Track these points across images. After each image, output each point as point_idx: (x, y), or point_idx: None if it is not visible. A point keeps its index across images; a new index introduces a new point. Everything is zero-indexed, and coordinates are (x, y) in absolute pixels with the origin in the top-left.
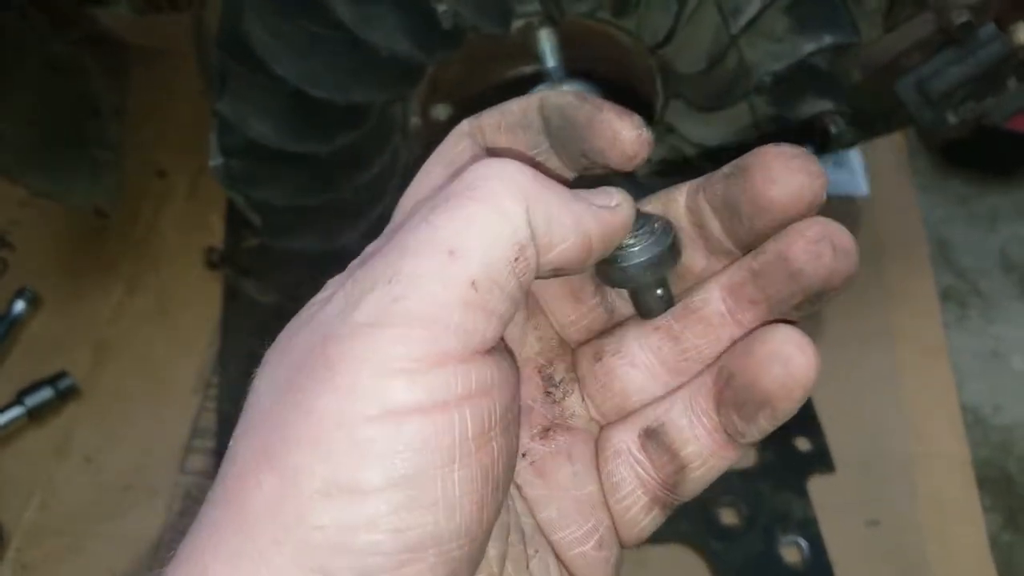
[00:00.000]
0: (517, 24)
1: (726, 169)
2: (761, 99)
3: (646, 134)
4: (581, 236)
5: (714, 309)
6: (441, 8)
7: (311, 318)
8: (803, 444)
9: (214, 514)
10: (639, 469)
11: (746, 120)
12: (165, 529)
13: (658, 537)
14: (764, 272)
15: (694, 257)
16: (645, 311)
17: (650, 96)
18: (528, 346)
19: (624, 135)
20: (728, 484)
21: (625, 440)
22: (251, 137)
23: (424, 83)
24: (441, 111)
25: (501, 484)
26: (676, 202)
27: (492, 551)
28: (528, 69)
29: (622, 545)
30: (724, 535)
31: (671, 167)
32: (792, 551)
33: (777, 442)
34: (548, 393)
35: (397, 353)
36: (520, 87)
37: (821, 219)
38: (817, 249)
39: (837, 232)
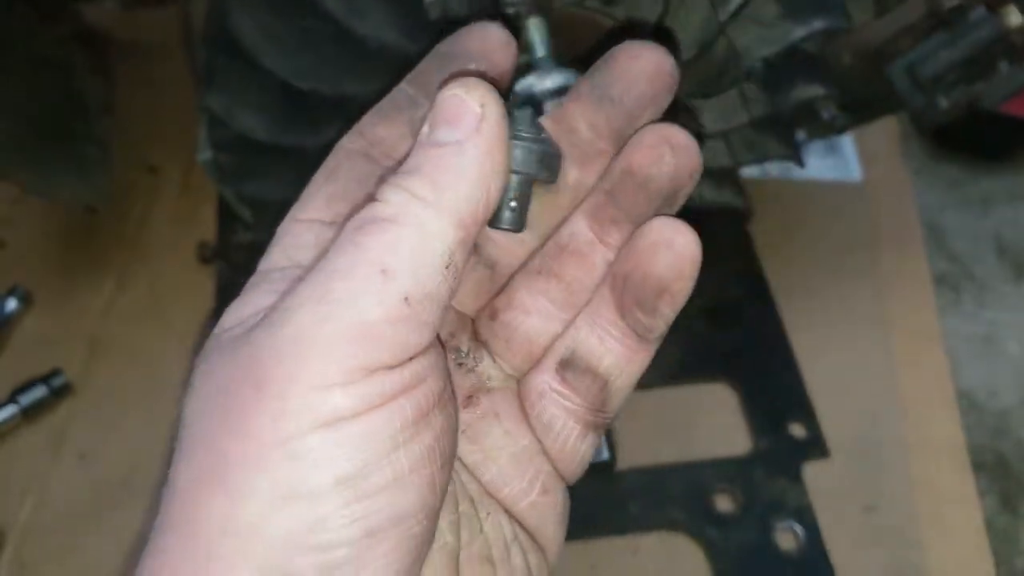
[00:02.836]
0: (505, 14)
1: (589, 72)
2: (751, 85)
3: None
4: (481, 214)
5: (583, 239)
6: None
7: (234, 340)
8: (797, 430)
9: (163, 542)
10: (565, 402)
11: (736, 106)
12: None
13: (651, 525)
14: (617, 190)
15: (568, 168)
16: (495, 220)
17: None
18: None
19: (492, 32)
20: (722, 471)
21: (544, 381)
22: (240, 131)
23: None
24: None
25: (449, 458)
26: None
27: (444, 522)
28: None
29: (565, 482)
30: (719, 522)
31: None
32: (788, 537)
33: (771, 429)
34: (460, 364)
35: (329, 370)
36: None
37: (656, 125)
38: (657, 153)
39: (673, 132)
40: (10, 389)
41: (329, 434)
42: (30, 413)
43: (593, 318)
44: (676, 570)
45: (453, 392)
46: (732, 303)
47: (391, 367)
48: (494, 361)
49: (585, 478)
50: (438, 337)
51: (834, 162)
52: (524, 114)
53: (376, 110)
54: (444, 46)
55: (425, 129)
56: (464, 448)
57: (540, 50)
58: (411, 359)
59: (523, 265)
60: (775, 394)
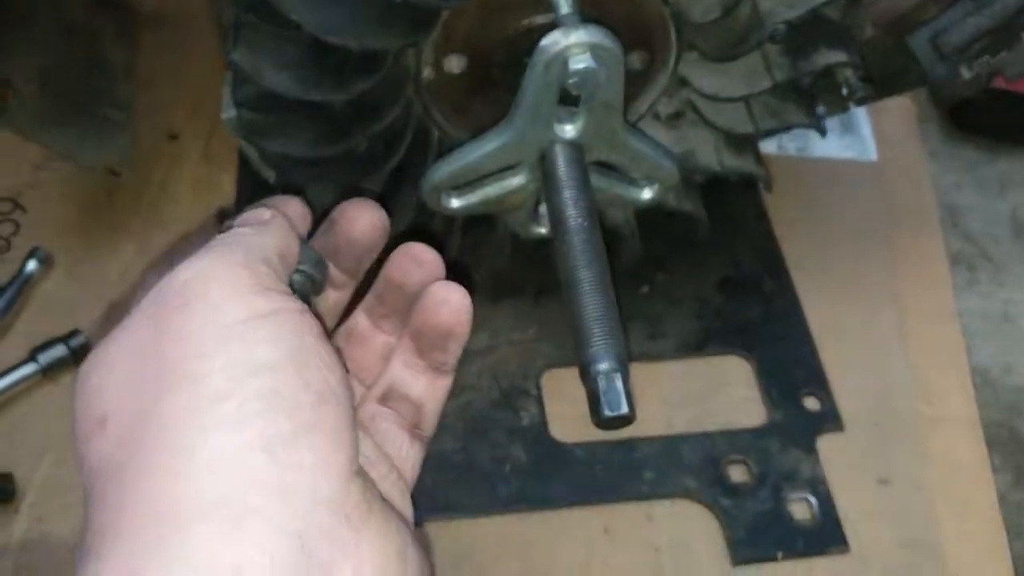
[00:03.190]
0: None
1: (322, 227)
2: (774, 49)
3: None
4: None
5: (363, 327)
6: None
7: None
8: (812, 404)
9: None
10: (392, 419)
11: (759, 71)
12: None
13: (666, 492)
14: (383, 293)
15: (328, 295)
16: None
17: (663, 44)
18: None
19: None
20: (737, 442)
21: (373, 407)
22: (266, 87)
23: (438, 31)
24: (454, 62)
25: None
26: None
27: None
28: (541, 19)
29: (405, 482)
30: (733, 492)
31: (682, 121)
32: (801, 507)
33: (786, 402)
34: None
35: (231, 316)
36: (534, 36)
37: (408, 246)
38: (405, 265)
39: (419, 251)
40: (29, 349)
41: (254, 323)
42: (49, 372)
43: (402, 359)
44: (689, 537)
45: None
46: (748, 277)
47: (270, 314)
48: None
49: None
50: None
51: (850, 141)
52: (306, 246)
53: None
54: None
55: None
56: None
57: (564, 7)
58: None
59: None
60: (790, 367)
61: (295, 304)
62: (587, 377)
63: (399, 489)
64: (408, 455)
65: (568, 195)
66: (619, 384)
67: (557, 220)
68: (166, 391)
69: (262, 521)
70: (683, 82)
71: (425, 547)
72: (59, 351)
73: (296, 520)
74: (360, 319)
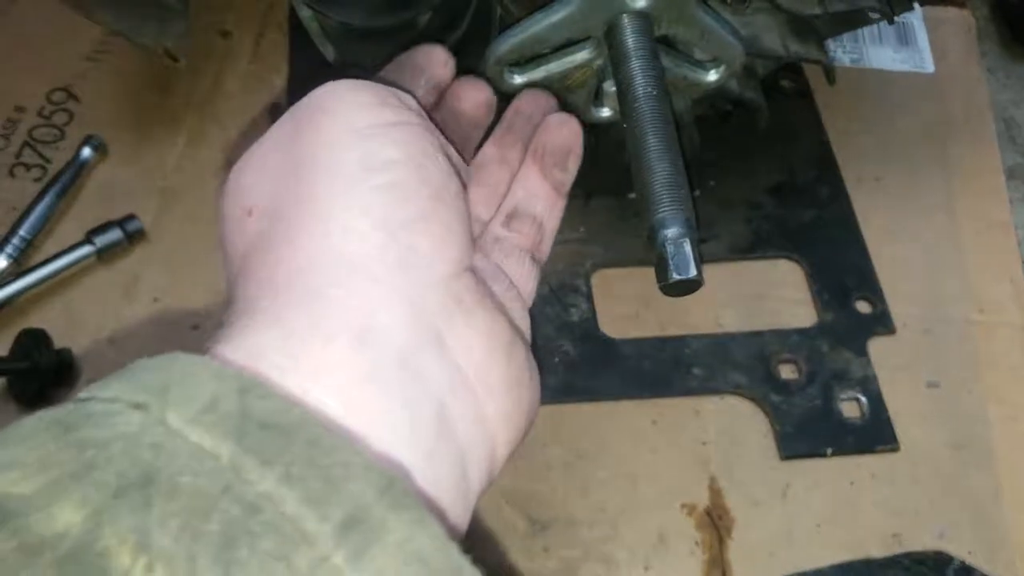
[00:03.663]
0: None
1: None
2: None
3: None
4: None
5: (490, 155)
6: None
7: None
8: (863, 307)
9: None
10: (515, 240)
11: None
12: None
13: (715, 389)
14: (513, 122)
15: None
16: None
17: None
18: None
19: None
20: (787, 342)
21: (498, 230)
22: None
23: None
24: None
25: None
26: None
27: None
28: None
29: (523, 301)
30: (782, 389)
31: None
32: (851, 406)
33: (838, 304)
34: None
35: (359, 120)
36: None
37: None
38: (535, 97)
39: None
40: (85, 232)
41: (382, 129)
42: (105, 255)
43: (524, 183)
44: (737, 431)
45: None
46: (801, 183)
47: (410, 102)
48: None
49: (653, 342)
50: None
51: (907, 54)
52: None
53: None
54: (400, 58)
55: None
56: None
57: None
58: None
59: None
60: (842, 271)
61: (418, 118)
62: (655, 242)
63: (519, 305)
64: (528, 275)
65: (637, 65)
66: (687, 248)
67: (625, 90)
68: (305, 178)
69: (386, 288)
70: None
71: (536, 368)
72: (114, 234)
73: (414, 291)
74: (488, 149)
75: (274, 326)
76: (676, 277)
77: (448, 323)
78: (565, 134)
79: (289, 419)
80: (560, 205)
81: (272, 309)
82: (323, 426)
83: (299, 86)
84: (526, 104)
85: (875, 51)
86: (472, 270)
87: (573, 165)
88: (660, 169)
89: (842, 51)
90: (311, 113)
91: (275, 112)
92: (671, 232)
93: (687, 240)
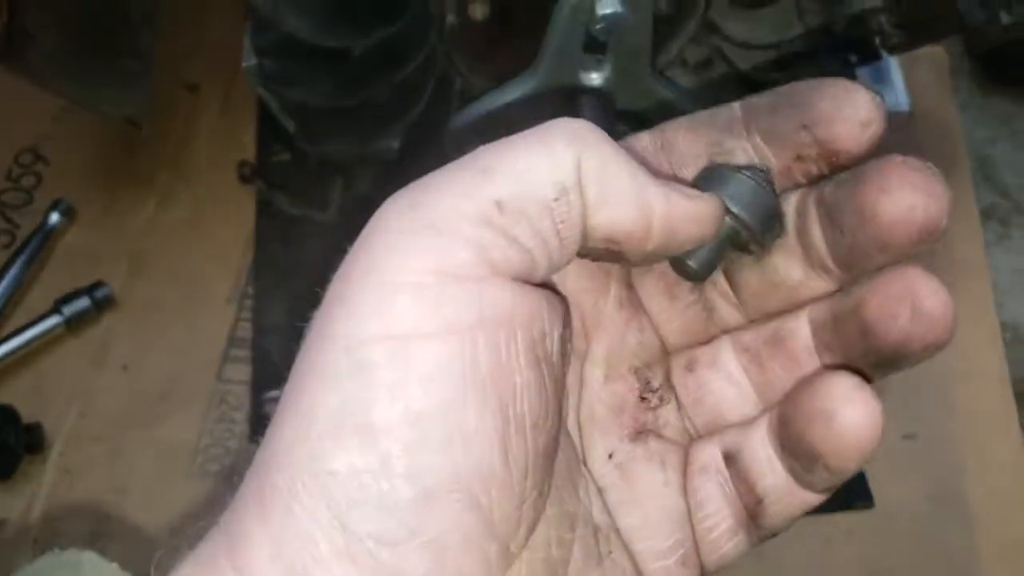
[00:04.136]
0: None
1: (843, 175)
2: None
3: (880, 99)
4: (639, 208)
5: (802, 344)
6: None
7: None
8: None
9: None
10: (726, 489)
11: (791, 17)
12: (202, 435)
13: None
14: (840, 319)
15: (791, 266)
16: (683, 255)
17: None
18: (626, 346)
19: (857, 94)
20: None
21: (714, 456)
22: (286, 31)
23: None
24: (478, 9)
25: (529, 426)
26: (788, 203)
27: (551, 532)
28: None
29: (703, 570)
30: None
31: (710, 69)
32: None
33: None
34: (643, 398)
35: (406, 263)
36: None
37: (913, 271)
38: (894, 308)
39: (926, 291)
40: (54, 300)
41: (398, 351)
42: (74, 324)
43: (763, 435)
44: None
45: (561, 362)
46: None
47: (469, 279)
48: (678, 409)
49: None
50: (564, 299)
51: (882, 91)
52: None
53: (691, 118)
54: (791, 90)
55: None
56: (614, 482)
57: None
58: (494, 277)
59: (736, 330)
60: None
61: (473, 309)
62: None
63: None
64: (719, 545)
65: None
66: None
67: None
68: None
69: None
70: (712, 28)
71: None
72: (83, 303)
73: None
74: (803, 329)
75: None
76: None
77: None
78: (818, 434)
79: None
80: (803, 499)
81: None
82: None
83: (269, 142)
84: (876, 306)
85: None
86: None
87: (826, 476)
88: None
89: None
90: (336, 278)
91: (243, 168)
92: None
93: None
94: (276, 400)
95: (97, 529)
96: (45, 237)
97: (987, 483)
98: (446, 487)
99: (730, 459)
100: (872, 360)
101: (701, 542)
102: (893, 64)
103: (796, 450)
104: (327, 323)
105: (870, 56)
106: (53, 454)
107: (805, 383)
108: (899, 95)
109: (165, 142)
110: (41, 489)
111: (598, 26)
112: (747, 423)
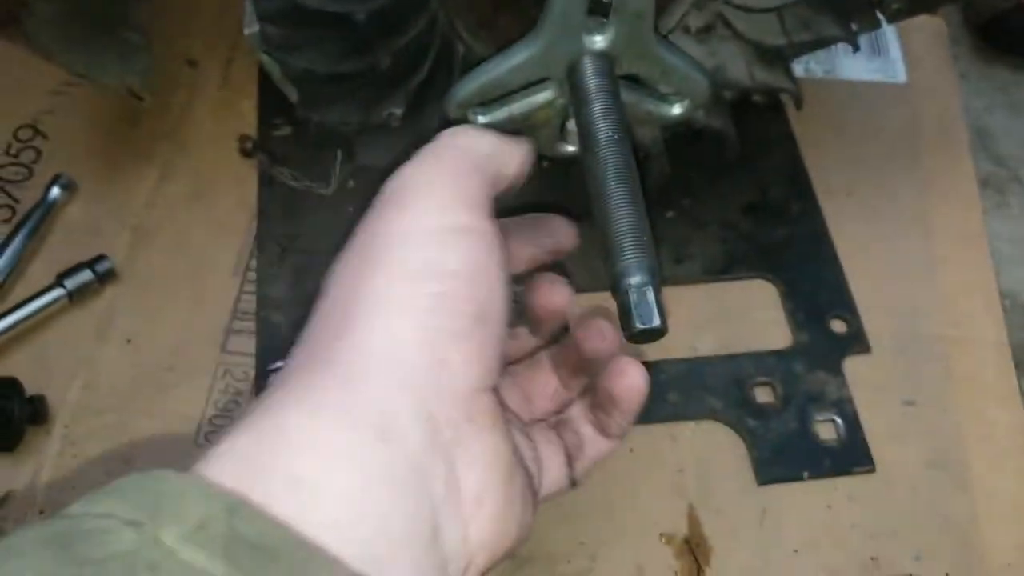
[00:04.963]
0: None
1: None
2: None
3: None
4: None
5: (545, 365)
6: None
7: None
8: (838, 326)
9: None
10: (557, 444)
11: None
12: (208, 406)
13: (691, 414)
14: (567, 350)
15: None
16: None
17: None
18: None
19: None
20: (762, 364)
21: (546, 431)
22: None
23: None
24: None
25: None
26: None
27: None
28: None
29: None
30: (759, 413)
31: (712, 35)
32: (827, 428)
33: (812, 324)
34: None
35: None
36: None
37: (596, 321)
38: (593, 336)
39: (604, 326)
40: (56, 274)
41: (450, 235)
42: (76, 297)
43: (579, 412)
44: (715, 457)
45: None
46: (774, 200)
47: (484, 204)
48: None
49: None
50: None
51: (880, 63)
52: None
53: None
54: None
55: None
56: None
57: None
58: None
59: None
60: (817, 290)
61: (490, 227)
62: (618, 291)
63: (534, 468)
64: (552, 474)
65: (598, 107)
66: (651, 297)
67: (586, 133)
68: (367, 272)
69: (412, 395)
70: None
71: (532, 503)
72: (85, 275)
73: (436, 401)
74: (544, 359)
75: (303, 403)
76: (639, 327)
77: (457, 437)
78: (619, 386)
79: (275, 541)
80: (606, 445)
81: (304, 390)
82: (307, 548)
83: (269, 115)
84: (584, 339)
85: (847, 62)
86: (494, 391)
87: (622, 419)
88: (622, 216)
89: (814, 62)
90: (387, 205)
91: (244, 142)
92: (634, 280)
93: (650, 288)
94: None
95: None
96: (46, 211)
97: (986, 450)
98: (489, 319)
99: (561, 423)
100: (582, 361)
101: (545, 465)
102: (891, 35)
103: (603, 403)
104: (384, 226)
105: (869, 24)
106: (58, 426)
107: (608, 362)
108: (896, 66)
109: (166, 116)
110: (46, 460)
111: None
112: (567, 403)
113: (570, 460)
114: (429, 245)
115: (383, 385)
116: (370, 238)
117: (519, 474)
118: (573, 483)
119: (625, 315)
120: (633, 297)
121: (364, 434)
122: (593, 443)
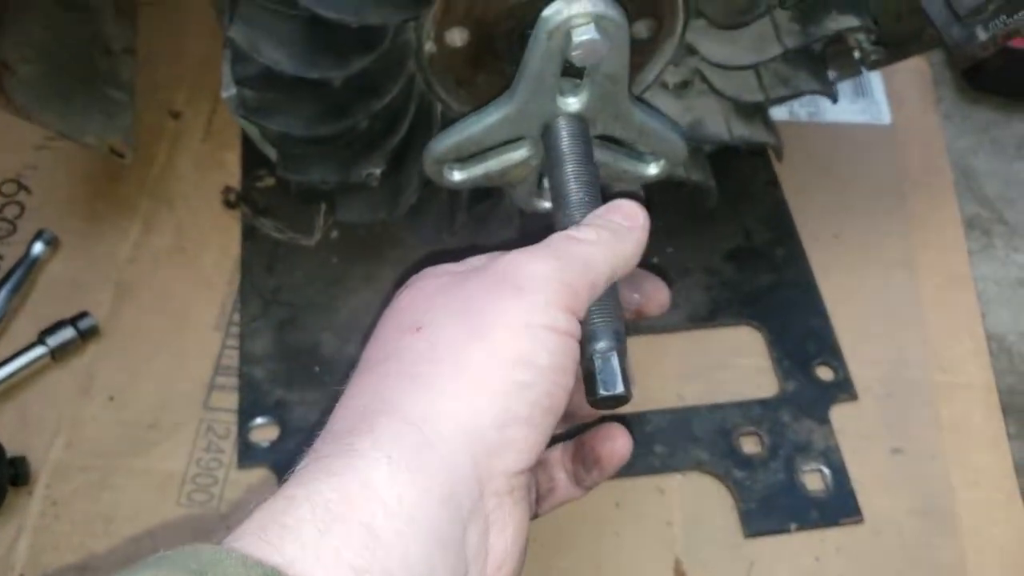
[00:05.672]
0: None
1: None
2: (784, 15)
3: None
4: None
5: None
6: None
7: (457, 274)
8: (825, 373)
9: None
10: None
11: (769, 37)
12: (190, 464)
13: (677, 465)
14: (581, 448)
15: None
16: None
17: (671, 12)
18: None
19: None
20: (749, 413)
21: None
22: (264, 64)
23: (438, 4)
24: (456, 35)
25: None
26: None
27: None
28: None
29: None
30: (745, 464)
31: (689, 90)
32: (814, 478)
33: (799, 371)
34: None
35: (551, 297)
36: (537, 6)
37: (611, 427)
38: (603, 441)
39: (616, 431)
40: (38, 331)
41: (549, 333)
42: (59, 354)
43: (562, 455)
44: (702, 509)
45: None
46: (760, 246)
47: (582, 310)
48: None
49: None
50: None
51: (864, 105)
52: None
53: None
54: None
55: (600, 211)
56: None
57: None
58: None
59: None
60: (802, 337)
61: (577, 328)
62: (583, 356)
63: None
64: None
65: (570, 169)
66: (615, 363)
67: (559, 194)
68: (473, 341)
69: (471, 463)
70: (691, 50)
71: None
72: (68, 333)
73: (491, 472)
74: (556, 451)
75: (379, 448)
76: (603, 393)
77: (497, 507)
78: (604, 448)
79: None
80: (574, 491)
81: (380, 435)
82: None
83: (252, 167)
84: (596, 442)
85: (831, 104)
86: (531, 473)
87: (598, 475)
88: None
89: (798, 105)
90: (504, 282)
91: (228, 194)
92: (599, 346)
93: (614, 354)
94: (262, 428)
95: (85, 562)
96: (29, 267)
97: (975, 497)
98: (546, 408)
99: (536, 465)
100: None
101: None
102: (874, 77)
103: (586, 459)
104: (499, 305)
105: (849, 71)
106: (39, 486)
107: (597, 426)
108: (880, 108)
109: (149, 169)
110: (27, 522)
111: (574, 52)
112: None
113: (538, 499)
114: (528, 338)
115: (454, 451)
116: (477, 312)
117: (525, 547)
118: (534, 516)
119: (590, 381)
120: (598, 363)
121: (433, 495)
122: (564, 489)
